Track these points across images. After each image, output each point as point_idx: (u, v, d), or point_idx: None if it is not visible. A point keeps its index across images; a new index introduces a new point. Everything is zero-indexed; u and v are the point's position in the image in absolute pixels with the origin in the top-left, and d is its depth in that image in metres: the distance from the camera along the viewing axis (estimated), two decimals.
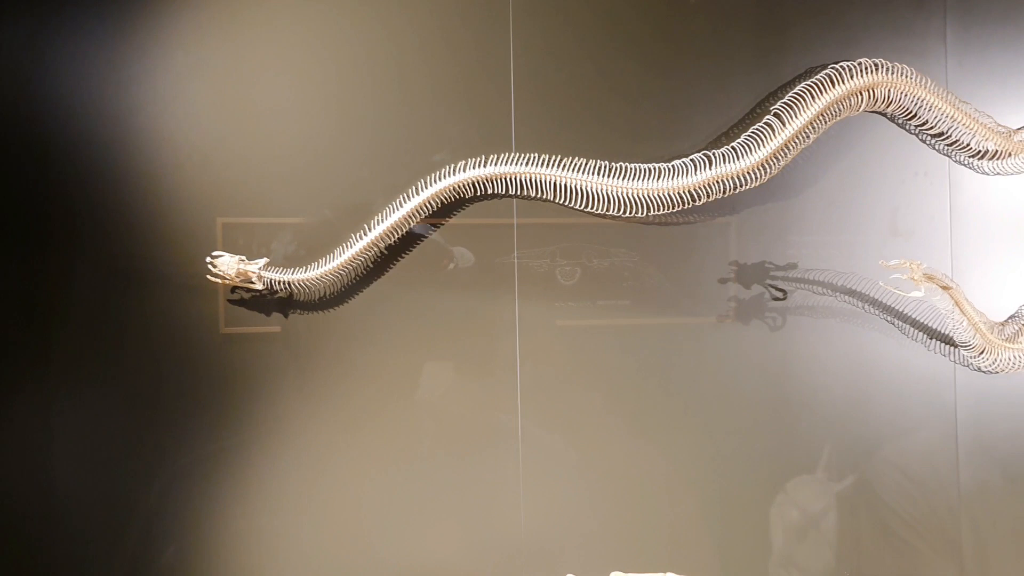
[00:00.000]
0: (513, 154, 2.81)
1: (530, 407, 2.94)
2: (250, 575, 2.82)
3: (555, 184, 2.82)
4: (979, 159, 3.31)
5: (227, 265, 2.62)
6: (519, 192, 2.83)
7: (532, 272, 3.01)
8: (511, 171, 2.77)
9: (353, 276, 2.80)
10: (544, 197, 2.85)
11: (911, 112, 3.15)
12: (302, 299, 2.78)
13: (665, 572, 2.55)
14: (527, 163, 2.79)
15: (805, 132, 2.99)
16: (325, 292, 2.78)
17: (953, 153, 3.29)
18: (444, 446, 2.89)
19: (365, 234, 2.73)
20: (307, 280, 2.69)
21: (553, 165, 2.81)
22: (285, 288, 2.71)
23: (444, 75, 2.88)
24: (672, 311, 3.08)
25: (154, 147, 2.78)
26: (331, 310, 2.80)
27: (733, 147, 2.94)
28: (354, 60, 2.85)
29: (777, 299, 3.13)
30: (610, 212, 2.89)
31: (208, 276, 2.68)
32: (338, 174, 2.83)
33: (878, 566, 3.20)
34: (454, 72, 2.88)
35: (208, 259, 2.69)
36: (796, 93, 2.99)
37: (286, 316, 2.77)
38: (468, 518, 2.90)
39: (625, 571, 2.55)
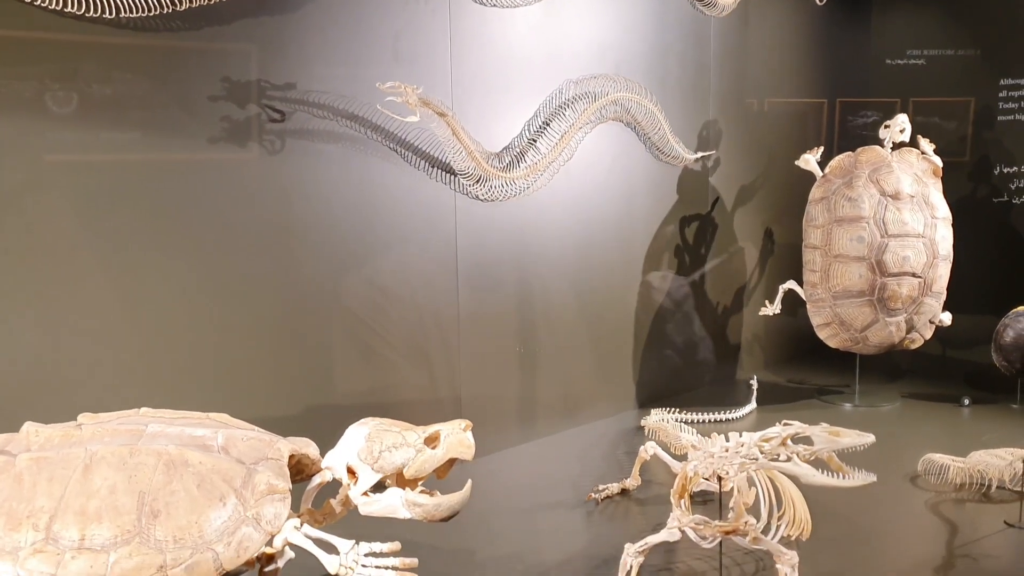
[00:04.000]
0: None
1: None
2: None
3: None
4: None
5: None
6: None
7: (10, 96, 2.50)
8: None
9: None
10: None
11: None
12: None
13: (139, 409, 2.36)
14: None
15: None
16: None
17: None
18: None
19: None
20: None
21: None
22: None
23: None
24: (160, 134, 2.77)
25: None
26: None
27: None
28: None
29: (275, 121, 2.96)
30: (69, 10, 2.46)
31: None
32: None
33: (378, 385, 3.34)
34: None
35: None
36: None
37: None
38: None
39: (95, 412, 2.32)
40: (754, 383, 4.28)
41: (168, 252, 2.82)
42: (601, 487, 3.27)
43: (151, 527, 1.95)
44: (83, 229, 2.67)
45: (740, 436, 2.36)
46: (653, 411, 3.80)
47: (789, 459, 2.21)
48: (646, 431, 3.73)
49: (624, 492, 3.29)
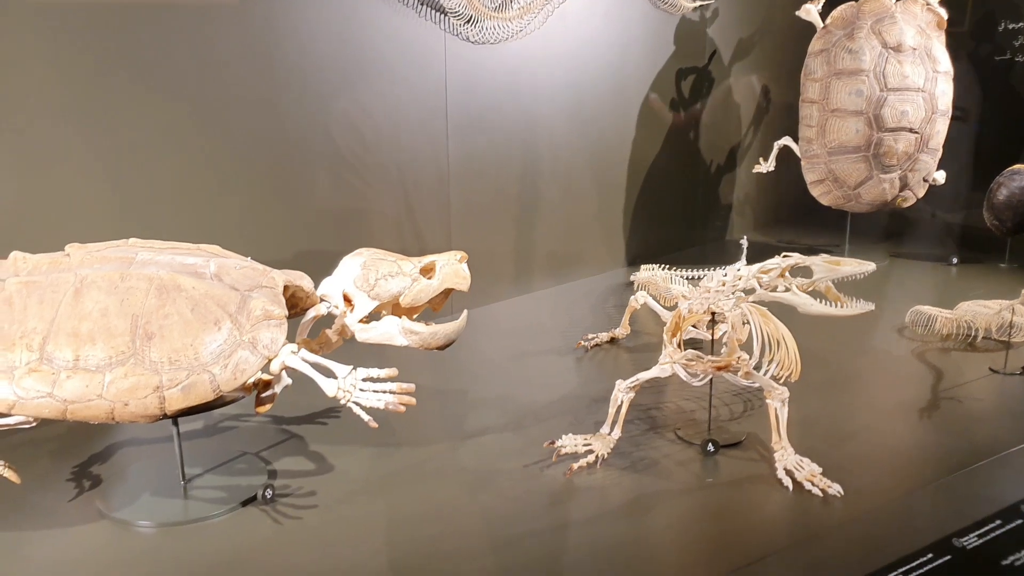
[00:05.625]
0: None
1: None
2: None
3: None
4: None
5: None
6: None
7: None
8: None
9: None
10: None
11: None
12: None
13: (128, 239, 2.31)
14: None
15: None
16: None
17: None
18: None
19: None
20: None
21: None
22: None
23: None
24: None
25: None
26: None
27: None
28: None
29: None
30: None
31: None
32: None
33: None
34: None
35: None
36: None
37: None
38: None
39: (83, 242, 2.26)
40: (744, 242, 4.24)
41: (152, 89, 2.71)
42: (591, 335, 3.29)
43: (146, 349, 1.93)
44: (65, 68, 2.55)
45: (738, 269, 2.34)
46: (643, 267, 3.79)
47: (788, 290, 2.20)
48: (635, 285, 3.72)
49: (613, 341, 3.32)
